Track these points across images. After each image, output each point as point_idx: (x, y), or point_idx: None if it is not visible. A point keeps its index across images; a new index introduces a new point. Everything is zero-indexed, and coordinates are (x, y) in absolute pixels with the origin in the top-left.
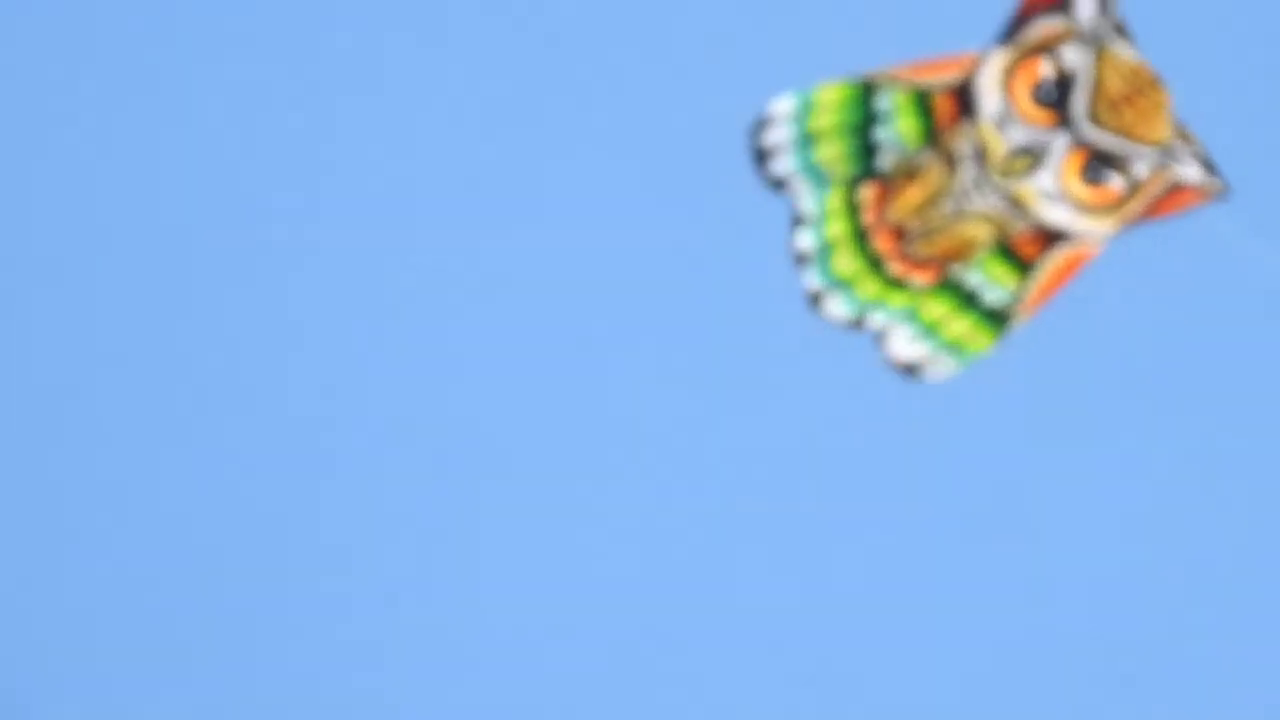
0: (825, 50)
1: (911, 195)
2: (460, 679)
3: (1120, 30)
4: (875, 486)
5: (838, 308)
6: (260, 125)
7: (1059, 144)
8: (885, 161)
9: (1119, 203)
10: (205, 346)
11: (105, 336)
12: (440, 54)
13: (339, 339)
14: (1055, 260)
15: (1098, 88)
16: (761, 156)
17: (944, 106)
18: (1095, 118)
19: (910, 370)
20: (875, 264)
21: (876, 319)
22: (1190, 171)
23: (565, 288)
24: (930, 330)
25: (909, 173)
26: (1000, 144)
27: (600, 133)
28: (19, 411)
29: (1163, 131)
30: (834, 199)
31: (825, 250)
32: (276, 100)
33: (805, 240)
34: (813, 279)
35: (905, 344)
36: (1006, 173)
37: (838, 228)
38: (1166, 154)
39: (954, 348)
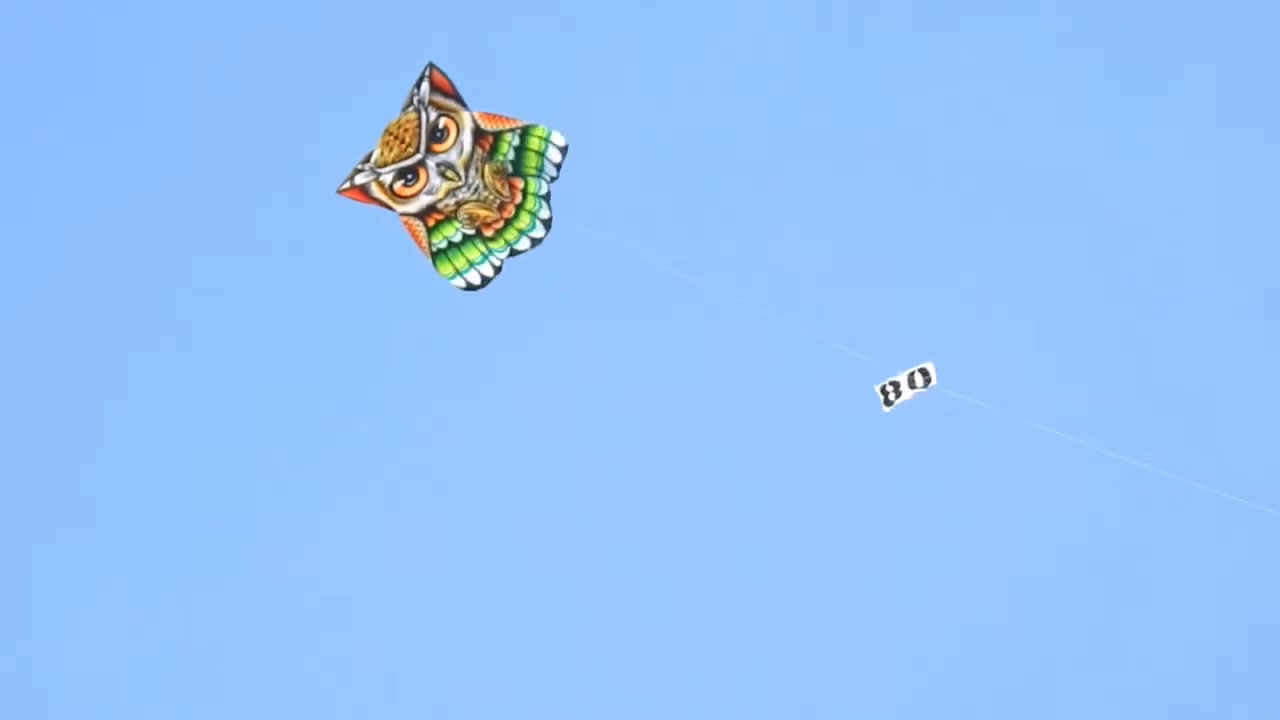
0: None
1: (479, 215)
2: None
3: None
4: None
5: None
6: None
7: (432, 163)
8: (468, 227)
9: (457, 121)
10: None
11: None
12: None
13: None
14: (485, 131)
15: (395, 154)
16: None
17: (434, 217)
18: (412, 146)
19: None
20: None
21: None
22: (424, 88)
23: None
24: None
25: (472, 218)
26: (443, 190)
27: None
28: None
29: (408, 118)
30: (480, 248)
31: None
32: None
33: (473, 276)
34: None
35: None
36: (455, 179)
37: (475, 251)
38: (419, 105)
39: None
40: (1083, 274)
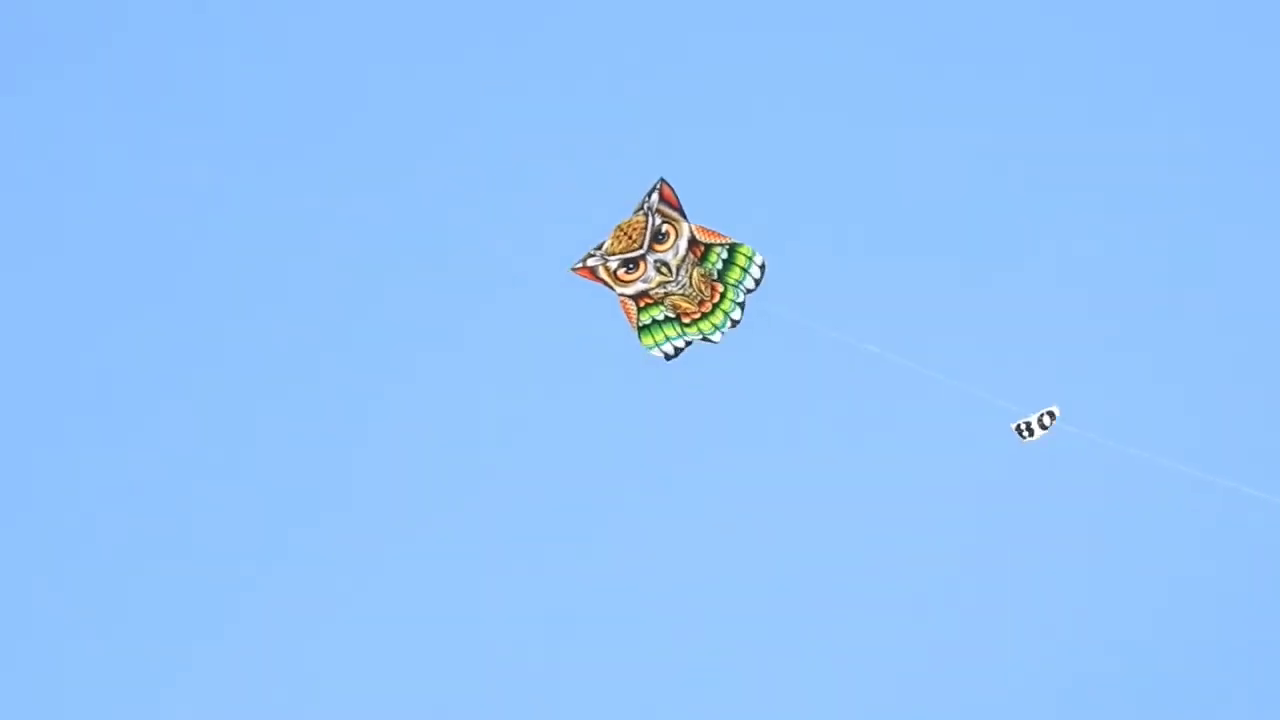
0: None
1: (681, 305)
2: None
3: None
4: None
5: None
6: None
7: (651, 258)
8: (670, 312)
9: (677, 229)
10: None
11: None
12: None
13: None
14: (698, 241)
15: (623, 247)
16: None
17: (645, 300)
18: (637, 243)
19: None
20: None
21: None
22: (654, 198)
23: None
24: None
25: (675, 306)
26: (656, 281)
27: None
28: None
29: (637, 219)
30: (678, 329)
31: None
32: None
33: (668, 348)
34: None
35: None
36: (667, 275)
37: (673, 330)
38: (648, 211)
39: (741, 277)
40: (1209, 308)
